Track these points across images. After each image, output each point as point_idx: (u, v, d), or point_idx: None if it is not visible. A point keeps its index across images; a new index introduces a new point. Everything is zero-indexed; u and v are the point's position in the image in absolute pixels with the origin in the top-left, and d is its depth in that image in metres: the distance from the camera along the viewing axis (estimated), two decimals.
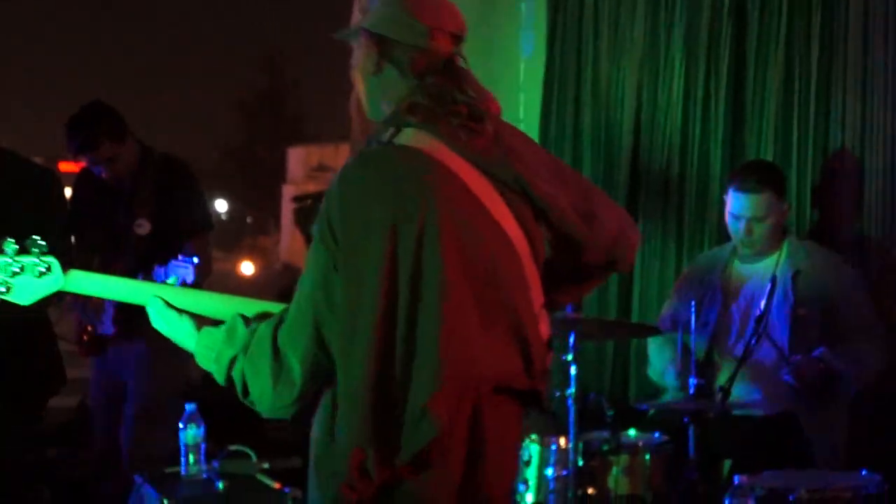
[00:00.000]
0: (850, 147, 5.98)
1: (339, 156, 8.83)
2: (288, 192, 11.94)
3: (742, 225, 5.48)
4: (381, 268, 2.81)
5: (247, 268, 33.26)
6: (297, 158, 12.38)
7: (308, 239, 9.49)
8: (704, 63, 6.66)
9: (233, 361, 2.98)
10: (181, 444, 5.10)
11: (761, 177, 5.59)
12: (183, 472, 5.06)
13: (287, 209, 11.67)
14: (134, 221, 6.17)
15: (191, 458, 5.05)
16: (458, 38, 3.09)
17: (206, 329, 3.09)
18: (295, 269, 9.17)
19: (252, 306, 3.14)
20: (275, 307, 3.11)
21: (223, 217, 52.21)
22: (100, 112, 6.31)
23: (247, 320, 3.04)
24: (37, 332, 5.26)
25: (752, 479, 4.44)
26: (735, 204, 5.51)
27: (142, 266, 5.77)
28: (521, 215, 3.03)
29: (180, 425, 5.11)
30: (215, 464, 5.04)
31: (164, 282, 5.68)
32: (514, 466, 3.25)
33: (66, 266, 3.23)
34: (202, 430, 5.06)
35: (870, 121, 5.89)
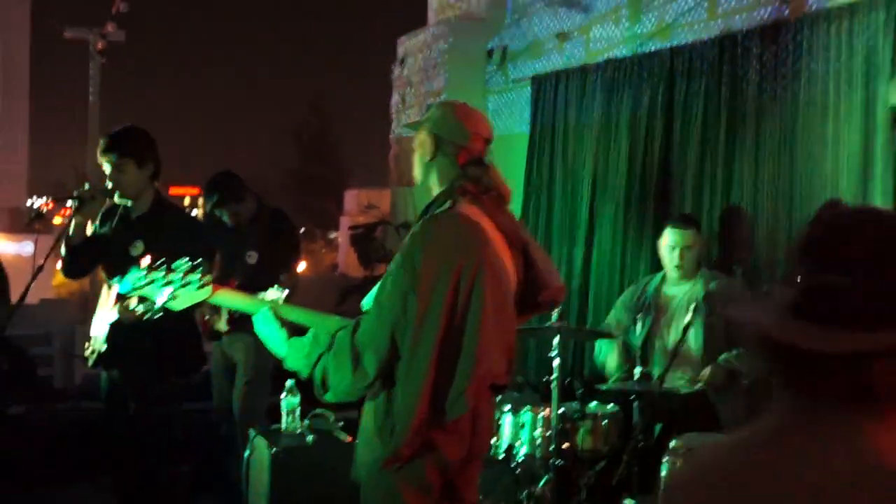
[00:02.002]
0: (745, 202, 6.06)
1: (382, 197, 9.00)
2: (345, 222, 12.04)
3: (676, 252, 5.60)
4: (446, 297, 3.02)
5: (300, 266, 32.85)
6: (351, 198, 12.55)
7: (360, 256, 9.69)
8: (643, 139, 6.85)
9: (319, 358, 3.13)
10: (282, 409, 5.23)
11: (689, 219, 5.80)
12: (283, 428, 5.19)
13: (344, 235, 11.82)
14: (246, 253, 6.31)
15: (289, 418, 5.19)
16: (488, 141, 3.35)
17: (294, 338, 3.27)
18: (350, 277, 9.33)
19: (327, 319, 3.32)
20: (343, 321, 3.25)
21: None
22: (227, 179, 6.44)
23: (324, 332, 3.18)
24: (189, 327, 5.26)
25: (678, 440, 4.55)
26: (672, 237, 5.63)
27: (249, 285, 6.02)
28: (517, 265, 3.32)
29: (282, 395, 5.24)
30: (306, 422, 5.20)
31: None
32: (490, 434, 3.49)
33: (217, 285, 3.42)
34: (298, 398, 5.18)
35: (760, 183, 5.97)
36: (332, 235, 36.56)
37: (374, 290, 3.26)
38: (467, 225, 3.15)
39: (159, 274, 3.32)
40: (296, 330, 3.34)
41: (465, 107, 3.43)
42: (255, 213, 6.52)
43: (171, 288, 3.32)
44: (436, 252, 3.07)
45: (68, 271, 5.24)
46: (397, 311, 3.04)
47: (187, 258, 3.36)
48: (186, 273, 3.34)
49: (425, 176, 3.38)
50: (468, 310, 3.07)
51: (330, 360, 3.11)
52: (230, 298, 3.52)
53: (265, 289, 5.82)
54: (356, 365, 3.05)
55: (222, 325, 6.18)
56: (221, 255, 6.35)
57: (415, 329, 3.02)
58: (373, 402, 3.15)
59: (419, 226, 3.17)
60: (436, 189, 3.33)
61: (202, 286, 3.36)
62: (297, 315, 3.38)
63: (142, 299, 3.85)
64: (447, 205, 3.19)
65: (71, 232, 5.05)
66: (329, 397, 3.17)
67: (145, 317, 3.33)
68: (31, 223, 5.13)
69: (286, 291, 5.77)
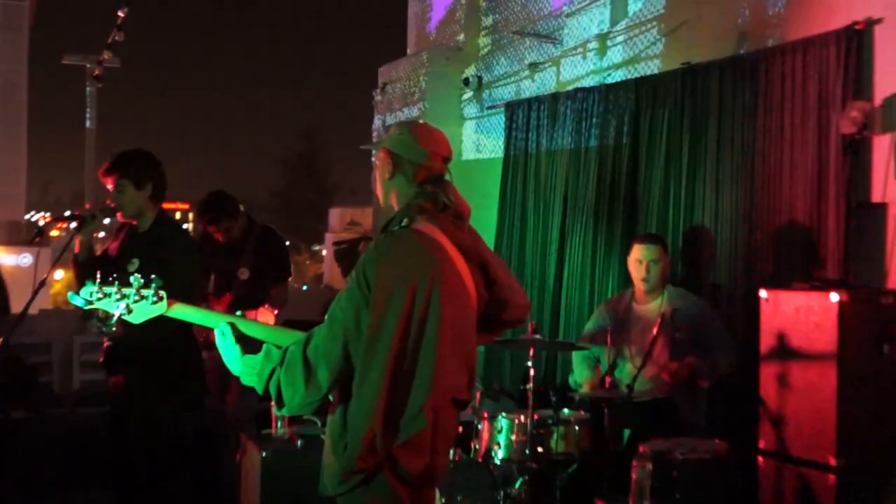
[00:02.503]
0: (707, 222, 6.09)
1: (364, 215, 8.97)
2: (329, 238, 11.99)
3: (644, 266, 5.59)
4: (401, 313, 2.89)
5: None
6: (335, 215, 12.45)
7: (344, 271, 9.65)
8: (611, 163, 6.86)
9: (271, 373, 2.98)
10: (272, 415, 5.20)
11: (655, 237, 5.83)
12: (274, 433, 5.18)
13: (329, 250, 11.81)
14: (238, 269, 6.31)
15: (279, 424, 5.18)
16: (447, 160, 3.21)
17: (247, 355, 3.09)
18: (334, 289, 9.30)
19: (286, 333, 3.14)
20: (298, 334, 3.08)
21: None
22: (221, 199, 6.44)
23: (276, 347, 3.04)
24: (191, 343, 5.16)
25: (645, 445, 4.53)
26: (639, 252, 5.63)
27: (242, 300, 5.93)
28: (477, 283, 3.17)
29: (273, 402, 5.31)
30: (295, 428, 5.19)
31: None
32: (447, 455, 3.22)
33: (172, 299, 3.28)
34: None
35: (721, 205, 6.00)
36: (316, 248, 36.45)
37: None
38: (422, 241, 3.04)
39: (112, 289, 3.24)
40: (254, 345, 3.18)
41: (423, 126, 3.31)
42: (246, 231, 6.49)
43: (125, 303, 3.24)
44: (390, 268, 2.96)
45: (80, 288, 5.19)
46: (349, 326, 2.93)
47: (142, 275, 3.29)
48: (140, 288, 3.25)
49: (385, 194, 3.28)
50: (425, 325, 2.95)
51: (282, 375, 2.98)
52: (188, 312, 3.34)
53: (257, 304, 5.82)
54: (308, 379, 2.94)
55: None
56: (215, 273, 6.40)
57: (368, 344, 2.90)
58: (332, 417, 3.04)
59: (375, 243, 3.06)
60: (395, 207, 3.22)
61: (157, 300, 3.26)
62: (255, 331, 3.20)
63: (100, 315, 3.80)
64: (404, 222, 3.09)
65: (77, 250, 5.01)
66: (285, 412, 3.04)
67: (103, 329, 3.25)
68: (33, 240, 4.99)
69: (276, 311, 5.79)
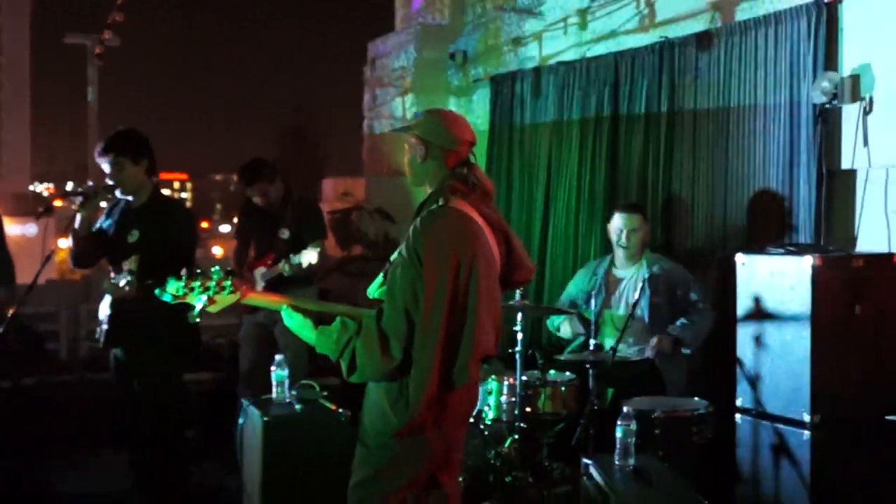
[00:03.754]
0: (684, 191, 6.09)
1: (357, 185, 8.94)
2: (323, 208, 11.89)
3: (623, 234, 5.57)
4: (448, 283, 3.10)
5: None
6: (329, 186, 12.34)
7: (338, 238, 9.64)
8: (592, 133, 6.83)
9: (348, 342, 3.15)
10: (272, 380, 5.17)
11: (636, 205, 5.81)
12: (273, 398, 5.14)
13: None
14: (279, 230, 6.45)
15: (278, 389, 5.14)
16: (472, 144, 3.39)
17: (322, 326, 3.26)
18: (329, 257, 9.33)
19: (338, 307, 3.36)
20: (354, 309, 3.31)
21: None
22: (258, 162, 6.59)
23: (349, 318, 3.20)
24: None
25: (627, 404, 4.50)
26: (619, 221, 5.61)
27: (283, 256, 6.11)
28: (500, 251, 3.36)
29: (272, 368, 5.19)
30: (294, 392, 5.14)
31: (299, 264, 5.94)
32: (477, 398, 3.55)
33: (245, 288, 3.37)
34: (287, 371, 5.16)
35: (697, 173, 6.01)
36: None
37: (378, 279, 3.35)
38: (461, 219, 3.21)
39: (197, 282, 3.30)
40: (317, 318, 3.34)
41: (452, 114, 3.47)
42: (285, 197, 6.62)
43: (206, 295, 3.30)
44: (436, 244, 3.14)
45: (76, 261, 5.25)
46: (409, 299, 3.11)
47: (218, 267, 3.36)
48: (221, 280, 3.31)
49: (417, 176, 3.42)
50: (467, 292, 3.15)
51: (359, 345, 3.14)
52: (257, 299, 3.53)
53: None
54: (384, 349, 3.10)
55: None
56: (258, 235, 6.61)
57: (424, 312, 3.09)
58: (387, 389, 3.19)
59: (419, 222, 3.21)
60: (428, 187, 3.37)
61: (234, 290, 3.33)
62: (313, 306, 3.40)
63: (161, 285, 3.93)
64: (440, 202, 3.23)
65: (77, 226, 5.05)
66: (355, 378, 3.18)
67: (190, 321, 3.29)
68: (39, 217, 5.03)
69: (318, 249, 5.94)
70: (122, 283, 4.88)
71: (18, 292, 6.18)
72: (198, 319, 3.30)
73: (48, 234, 5.13)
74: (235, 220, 7.27)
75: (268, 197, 6.56)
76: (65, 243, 5.27)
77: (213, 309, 3.34)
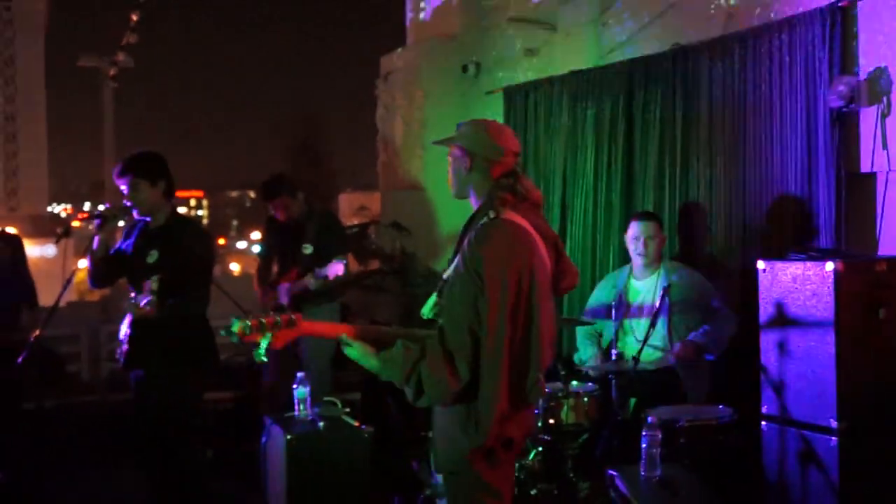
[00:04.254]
0: (702, 197, 6.04)
1: (372, 200, 8.97)
2: None
3: (641, 242, 5.54)
4: (510, 296, 3.05)
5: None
6: (344, 201, 12.36)
7: (355, 253, 9.67)
8: (607, 142, 6.79)
9: (414, 366, 3.05)
10: (294, 398, 5.21)
11: (651, 214, 5.78)
12: (296, 416, 5.17)
13: None
14: (302, 245, 6.52)
15: (301, 406, 5.17)
16: (517, 154, 3.35)
17: (384, 351, 3.15)
18: (346, 272, 9.40)
19: (394, 331, 3.33)
20: (414, 330, 3.26)
21: None
22: (278, 178, 6.71)
23: (410, 342, 3.13)
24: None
25: (651, 414, 4.54)
26: (636, 228, 5.58)
27: (307, 270, 6.24)
28: (550, 259, 3.33)
29: (294, 386, 5.22)
30: (316, 409, 5.17)
31: (325, 277, 6.07)
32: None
33: (303, 320, 3.32)
34: (308, 388, 5.18)
35: (714, 180, 5.96)
36: None
37: (431, 298, 3.23)
38: (515, 230, 3.17)
39: (262, 320, 3.25)
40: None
41: (496, 124, 3.43)
42: (308, 213, 6.68)
43: (271, 332, 3.23)
44: (495, 258, 3.08)
45: (94, 281, 5.27)
46: (471, 316, 3.04)
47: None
48: (286, 315, 3.27)
49: (462, 187, 3.37)
50: (530, 305, 3.11)
51: (424, 369, 3.05)
52: (316, 329, 3.50)
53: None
54: (452, 370, 3.03)
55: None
56: (281, 250, 6.70)
57: (489, 329, 3.03)
58: (454, 409, 3.14)
59: (474, 235, 3.14)
60: (473, 199, 3.33)
61: (297, 323, 3.28)
62: (368, 333, 3.31)
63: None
64: (491, 214, 3.17)
65: (95, 247, 5.08)
66: (424, 402, 3.11)
67: (256, 359, 3.28)
68: (58, 240, 5.07)
69: (345, 260, 6.00)
70: (143, 302, 4.89)
71: (40, 314, 6.21)
72: (265, 358, 3.25)
73: (67, 255, 5.14)
74: (259, 236, 7.32)
75: (289, 212, 6.62)
76: (84, 264, 5.30)
77: (277, 345, 3.27)
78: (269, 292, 6.58)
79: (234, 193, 73.98)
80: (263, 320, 3.22)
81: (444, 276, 3.21)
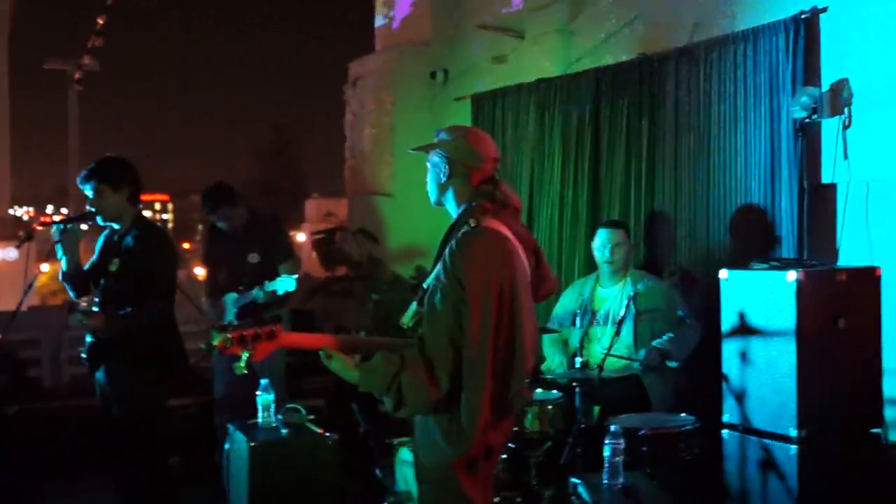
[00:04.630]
0: (667, 207, 6.08)
1: (340, 206, 8.97)
2: (307, 228, 11.93)
3: (607, 249, 5.57)
4: (493, 305, 3.02)
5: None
6: (312, 206, 12.39)
7: (322, 260, 9.67)
8: (574, 150, 6.82)
9: (395, 377, 3.02)
10: (258, 405, 5.16)
11: (617, 222, 5.82)
12: (259, 422, 5.12)
13: (307, 241, 11.78)
14: (248, 254, 6.41)
15: (265, 413, 5.13)
16: (497, 160, 3.35)
17: (365, 363, 3.13)
18: (312, 278, 9.36)
19: (374, 340, 3.36)
20: (394, 340, 3.23)
21: None
22: (217, 189, 6.56)
23: (389, 353, 3.10)
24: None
25: (615, 422, 4.49)
26: (602, 236, 5.61)
27: (255, 281, 6.05)
28: (531, 266, 3.31)
29: (257, 393, 5.17)
30: (279, 416, 5.13)
31: (273, 291, 5.88)
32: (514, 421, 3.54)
33: (283, 331, 3.26)
34: (272, 395, 5.14)
35: (680, 189, 6.01)
36: (291, 233, 36.71)
37: (412, 308, 3.20)
38: (497, 238, 3.15)
39: (242, 333, 3.22)
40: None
41: (475, 131, 3.43)
42: (250, 219, 6.60)
43: (251, 345, 3.20)
44: (477, 266, 3.06)
45: (77, 295, 5.20)
46: (451, 323, 3.02)
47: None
48: (266, 327, 3.23)
49: (440, 194, 3.34)
50: (512, 314, 3.08)
51: (405, 380, 3.03)
52: (296, 341, 3.43)
53: (272, 280, 5.91)
54: (432, 380, 3.01)
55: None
56: (227, 260, 6.56)
57: (472, 337, 3.00)
58: (438, 417, 3.11)
59: (455, 244, 3.11)
60: (453, 206, 3.30)
61: (277, 335, 3.23)
62: (347, 344, 3.28)
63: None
64: (472, 222, 3.15)
65: (64, 267, 5.06)
66: (404, 413, 3.09)
67: (237, 372, 3.24)
68: (21, 244, 5.03)
69: (295, 276, 5.92)
70: (79, 320, 4.89)
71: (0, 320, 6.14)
72: (245, 371, 3.22)
73: (30, 260, 5.09)
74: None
75: (232, 221, 6.53)
76: (46, 268, 5.26)
77: (257, 357, 3.24)
78: (216, 304, 6.47)
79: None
80: (245, 333, 3.19)
81: (424, 284, 3.19)
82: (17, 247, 5.02)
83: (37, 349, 9.18)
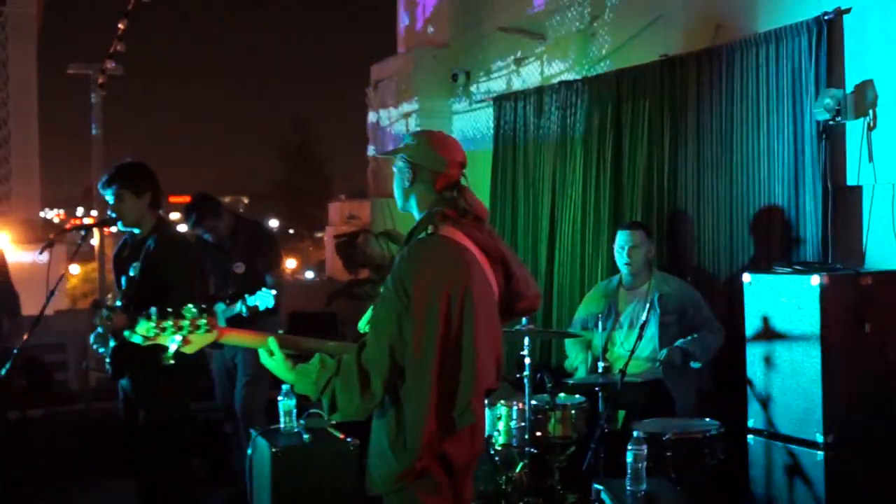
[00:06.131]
0: (690, 208, 6.02)
1: (362, 208, 8.95)
2: (329, 232, 11.88)
3: (625, 252, 5.55)
4: (440, 317, 2.90)
5: (290, 263, 33.05)
6: (335, 209, 12.33)
7: (345, 263, 9.65)
8: (596, 152, 6.77)
9: (328, 382, 2.97)
10: (279, 410, 5.14)
11: (636, 224, 5.76)
12: (281, 428, 5.10)
13: (329, 244, 11.73)
14: (233, 264, 6.36)
15: (286, 419, 5.10)
16: (463, 165, 3.19)
17: (301, 365, 3.05)
18: (336, 281, 9.32)
19: (323, 344, 3.15)
20: (343, 345, 3.12)
21: (275, 230, 50.82)
22: (201, 201, 6.49)
23: (328, 356, 3.02)
24: None
25: (638, 426, 4.53)
26: (620, 238, 5.60)
27: (240, 292, 5.92)
28: (498, 278, 3.17)
29: (279, 398, 5.14)
30: (301, 422, 5.09)
31: (255, 305, 5.87)
32: (484, 435, 3.39)
33: (221, 328, 3.22)
34: (294, 400, 5.10)
35: (702, 192, 5.93)
36: (318, 235, 36.65)
37: (368, 313, 3.12)
38: (451, 247, 3.03)
39: (168, 322, 3.14)
40: (297, 357, 3.15)
41: (439, 135, 3.28)
42: (235, 228, 6.52)
43: (181, 335, 3.15)
44: (425, 275, 2.95)
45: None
46: (394, 334, 2.92)
47: (193, 304, 3.19)
48: (195, 319, 3.16)
49: (405, 200, 3.23)
50: (462, 326, 2.96)
51: (338, 384, 2.96)
52: (236, 337, 3.31)
53: (255, 292, 5.83)
54: (364, 387, 2.92)
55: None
56: (213, 269, 6.44)
57: (414, 349, 2.90)
58: (383, 419, 3.02)
59: (406, 251, 3.03)
60: (416, 212, 3.19)
61: (210, 329, 3.17)
62: (296, 345, 3.19)
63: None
64: (429, 229, 3.05)
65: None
66: (337, 418, 3.02)
67: (163, 363, 3.17)
68: (43, 251, 5.03)
69: (274, 292, 5.82)
70: (104, 317, 4.89)
71: (25, 323, 6.16)
72: (171, 361, 3.15)
73: (52, 264, 5.07)
74: None
75: (217, 232, 6.47)
76: (77, 269, 5.28)
77: (188, 349, 3.17)
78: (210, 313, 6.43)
79: (229, 198, 73.93)
80: (169, 323, 3.11)
81: (381, 289, 3.10)
82: (40, 253, 5.02)
83: (63, 353, 9.21)
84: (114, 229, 5.28)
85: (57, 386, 8.68)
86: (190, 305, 3.17)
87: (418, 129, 3.17)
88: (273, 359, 3.12)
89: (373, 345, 2.95)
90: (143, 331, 3.13)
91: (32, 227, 27.26)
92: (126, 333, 3.21)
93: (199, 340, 3.17)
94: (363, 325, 3.16)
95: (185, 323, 3.14)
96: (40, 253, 5.00)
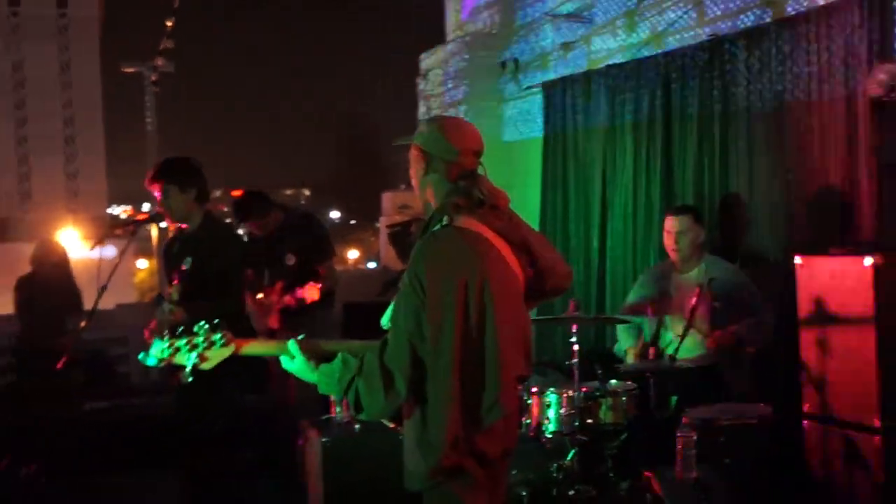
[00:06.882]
0: (742, 190, 5.92)
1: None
2: (383, 222, 11.95)
3: (672, 237, 5.44)
4: (456, 311, 2.79)
5: (353, 253, 33.12)
6: (387, 199, 12.39)
7: (399, 253, 9.64)
8: (645, 136, 6.70)
9: (351, 382, 2.89)
10: (331, 400, 5.07)
11: (685, 208, 5.63)
12: (333, 418, 5.06)
13: (383, 233, 11.77)
14: (285, 256, 6.36)
15: (337, 409, 5.05)
16: (478, 153, 3.04)
17: (324, 365, 2.98)
18: (390, 270, 9.30)
19: (346, 344, 3.05)
20: (367, 344, 2.99)
21: (337, 221, 51.09)
22: (247, 198, 6.53)
23: (350, 356, 2.94)
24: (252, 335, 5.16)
25: (691, 412, 4.44)
26: (669, 224, 5.47)
27: (291, 284, 5.95)
28: (522, 263, 3.03)
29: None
30: (352, 412, 5.25)
31: (302, 299, 5.83)
32: (518, 427, 3.30)
33: (239, 340, 3.10)
34: None
35: (754, 173, 5.83)
36: (378, 225, 37.21)
37: (390, 309, 3.03)
38: (465, 238, 2.90)
39: (182, 341, 3.08)
40: (322, 359, 3.06)
41: (453, 121, 3.15)
42: (285, 221, 6.52)
43: (196, 352, 3.07)
44: (439, 268, 2.84)
45: None
46: (412, 330, 2.81)
47: (205, 321, 3.11)
48: (209, 335, 3.09)
49: (421, 190, 3.10)
50: (483, 319, 2.85)
51: (361, 384, 2.87)
52: (255, 348, 3.21)
53: (304, 284, 5.84)
54: (388, 386, 2.83)
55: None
56: (267, 265, 6.37)
57: (432, 346, 2.80)
58: (410, 417, 2.94)
59: (420, 244, 2.91)
60: (432, 202, 3.05)
61: (226, 343, 3.09)
62: (316, 347, 3.09)
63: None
64: (444, 220, 2.94)
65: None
66: (364, 417, 2.94)
67: (183, 382, 3.12)
68: (94, 247, 5.06)
69: (320, 284, 5.80)
70: (167, 311, 4.90)
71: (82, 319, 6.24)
72: (190, 379, 3.08)
73: (102, 262, 5.10)
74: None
75: (266, 228, 6.47)
76: (144, 264, 5.33)
77: (206, 366, 3.09)
78: (259, 309, 6.24)
79: (290, 191, 74.64)
80: (182, 342, 3.04)
81: (401, 284, 2.98)
82: (91, 248, 5.06)
83: (125, 346, 9.32)
84: (164, 224, 5.30)
85: (119, 379, 8.80)
86: (203, 322, 3.10)
87: (436, 115, 3.01)
88: (294, 362, 3.06)
89: (393, 342, 2.86)
90: (157, 352, 3.07)
91: (99, 224, 27.76)
92: (140, 357, 3.16)
93: (217, 356, 3.09)
94: (385, 320, 3.06)
95: (199, 340, 3.07)
96: (91, 248, 5.05)
